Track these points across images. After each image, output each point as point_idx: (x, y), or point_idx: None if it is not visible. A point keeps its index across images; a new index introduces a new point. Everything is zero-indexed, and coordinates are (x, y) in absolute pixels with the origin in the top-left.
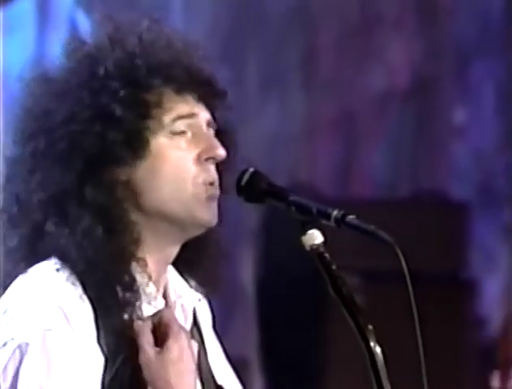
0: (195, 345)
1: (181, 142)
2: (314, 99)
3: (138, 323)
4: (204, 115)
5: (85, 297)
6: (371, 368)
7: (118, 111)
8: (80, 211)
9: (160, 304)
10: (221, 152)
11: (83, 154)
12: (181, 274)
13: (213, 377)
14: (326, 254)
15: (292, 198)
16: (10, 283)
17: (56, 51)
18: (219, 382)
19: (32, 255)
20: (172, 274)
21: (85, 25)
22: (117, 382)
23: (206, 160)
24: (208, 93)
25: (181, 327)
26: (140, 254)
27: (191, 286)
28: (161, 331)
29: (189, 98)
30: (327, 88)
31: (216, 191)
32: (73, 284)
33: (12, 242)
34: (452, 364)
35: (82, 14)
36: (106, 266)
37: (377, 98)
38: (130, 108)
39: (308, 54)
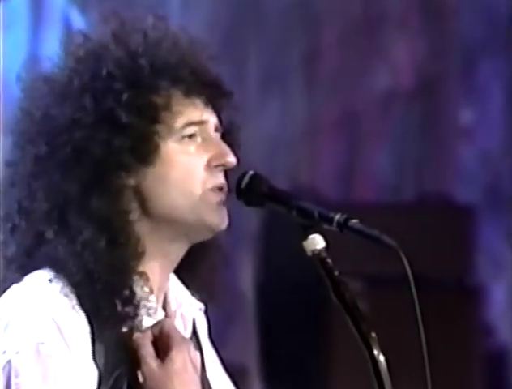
0: (198, 355)
1: (191, 147)
2: (316, 99)
3: (137, 335)
4: (213, 120)
5: (80, 310)
6: (374, 377)
7: (125, 115)
8: (83, 221)
9: (160, 316)
10: (232, 160)
11: (89, 161)
12: (182, 279)
13: (210, 387)
14: (329, 260)
15: (293, 201)
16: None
17: (50, 50)
18: None
19: (28, 265)
20: (173, 281)
21: (80, 23)
22: None
23: (216, 166)
24: (216, 95)
25: (184, 338)
26: (142, 266)
27: (193, 294)
28: (162, 342)
29: (198, 101)
30: (330, 88)
31: (225, 196)
32: (66, 295)
33: (10, 250)
34: (458, 372)
35: (76, 13)
36: (105, 279)
37: (381, 98)
38: (138, 111)
39: (310, 53)
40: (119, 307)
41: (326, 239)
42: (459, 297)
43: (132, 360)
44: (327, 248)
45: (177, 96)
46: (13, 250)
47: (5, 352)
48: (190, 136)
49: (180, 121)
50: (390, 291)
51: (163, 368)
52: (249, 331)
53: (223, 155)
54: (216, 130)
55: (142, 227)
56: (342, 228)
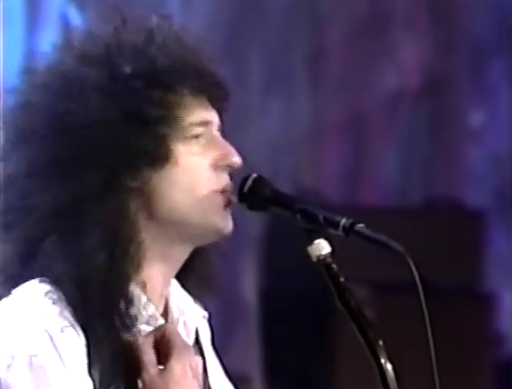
0: (200, 361)
1: (195, 147)
2: (321, 100)
3: (139, 340)
4: (216, 120)
5: (75, 323)
6: (382, 386)
7: (147, 114)
8: (90, 229)
9: (160, 323)
10: (237, 160)
11: (106, 161)
12: (181, 282)
13: None
14: (334, 265)
15: (297, 205)
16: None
17: (49, 48)
18: None
19: (22, 274)
20: (174, 287)
21: (77, 21)
22: None
23: (222, 167)
24: (219, 94)
25: (185, 344)
26: (143, 273)
27: (195, 301)
28: (163, 346)
29: (204, 100)
30: (335, 89)
31: (231, 198)
32: (61, 308)
33: (4, 257)
34: (467, 381)
35: (74, 11)
36: (105, 292)
37: (387, 99)
38: (156, 109)
39: (314, 52)
40: (116, 319)
41: (331, 244)
42: (469, 304)
43: (132, 367)
44: (333, 253)
45: (186, 95)
46: (6, 256)
47: None
48: (196, 136)
49: (188, 121)
50: (397, 298)
51: (162, 375)
52: (252, 338)
53: (228, 155)
54: (219, 129)
55: (146, 232)
56: (348, 233)
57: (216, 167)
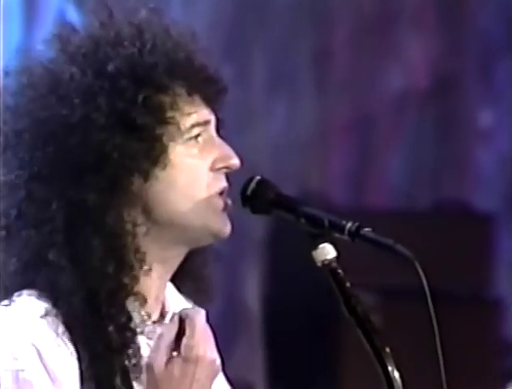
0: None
1: (194, 149)
2: (326, 100)
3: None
4: (213, 120)
5: (66, 337)
6: None
7: (140, 116)
8: (95, 240)
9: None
10: (236, 162)
11: (107, 166)
12: (175, 284)
13: None
14: (340, 271)
15: (301, 209)
16: None
17: (45, 46)
18: None
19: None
20: (171, 291)
21: (75, 20)
22: None
23: (220, 169)
24: (216, 93)
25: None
26: (140, 281)
27: (194, 306)
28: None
29: (200, 100)
30: (340, 89)
31: (228, 200)
32: (51, 324)
33: (8, 268)
34: None
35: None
36: (106, 309)
37: (394, 100)
38: (152, 112)
39: (320, 52)
40: (115, 338)
41: (336, 248)
42: (478, 311)
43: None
44: (338, 258)
45: (182, 95)
46: (11, 267)
47: None
48: (194, 137)
49: (187, 122)
50: (404, 304)
51: (167, 370)
52: (255, 345)
53: (227, 157)
54: (217, 130)
55: (144, 236)
56: (354, 237)
57: (214, 169)
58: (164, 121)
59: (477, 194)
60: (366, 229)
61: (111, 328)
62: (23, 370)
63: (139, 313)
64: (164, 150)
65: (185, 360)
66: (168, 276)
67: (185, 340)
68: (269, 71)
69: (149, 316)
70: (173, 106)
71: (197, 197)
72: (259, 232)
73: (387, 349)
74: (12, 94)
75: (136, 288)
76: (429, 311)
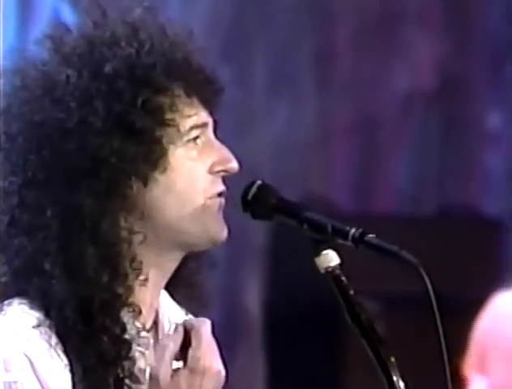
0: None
1: (193, 151)
2: (329, 102)
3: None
4: (211, 121)
5: (59, 347)
6: None
7: (139, 118)
8: (90, 248)
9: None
10: (235, 165)
11: (104, 170)
12: (169, 292)
13: None
14: (343, 278)
15: (304, 214)
16: None
17: (39, 46)
18: None
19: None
20: (164, 299)
21: (70, 19)
22: None
23: (218, 172)
24: (212, 93)
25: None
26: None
27: (187, 313)
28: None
29: (198, 101)
30: (344, 90)
31: (223, 202)
32: (43, 334)
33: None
34: None
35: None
36: (100, 321)
37: (399, 101)
38: (149, 114)
39: (322, 52)
40: (109, 350)
41: (340, 255)
42: None
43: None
44: (341, 265)
45: (181, 96)
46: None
47: None
48: (193, 140)
49: (186, 124)
50: (409, 312)
51: (173, 381)
52: (256, 351)
53: (225, 160)
54: (214, 132)
55: (141, 247)
56: (357, 244)
57: (212, 172)
58: (164, 124)
59: (485, 198)
60: (370, 235)
61: (105, 339)
62: (15, 382)
63: (134, 324)
64: (163, 153)
65: (192, 371)
66: (163, 283)
67: (191, 351)
68: (270, 72)
69: (144, 327)
70: (173, 108)
71: (194, 201)
72: (260, 237)
73: (392, 358)
74: (5, 96)
75: (131, 299)
76: (435, 319)
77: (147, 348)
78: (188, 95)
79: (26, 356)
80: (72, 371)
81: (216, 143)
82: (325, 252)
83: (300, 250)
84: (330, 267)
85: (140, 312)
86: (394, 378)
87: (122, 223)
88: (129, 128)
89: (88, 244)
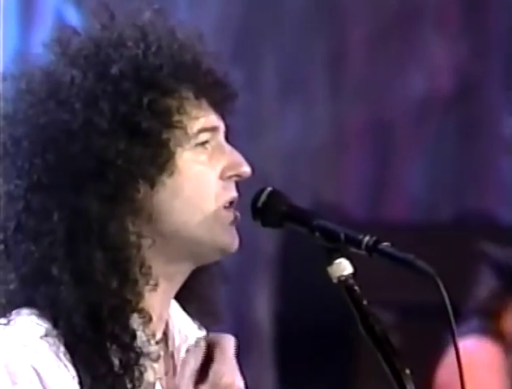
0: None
1: (203, 155)
2: (342, 106)
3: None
4: (222, 126)
5: (67, 358)
6: None
7: (145, 120)
8: (97, 253)
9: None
10: (247, 170)
11: (110, 172)
12: (180, 303)
13: None
14: (356, 287)
15: (316, 222)
16: None
17: (44, 49)
18: None
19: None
20: (175, 310)
21: (74, 20)
22: None
23: (230, 177)
24: (223, 97)
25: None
26: (143, 299)
27: (200, 327)
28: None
29: (208, 104)
30: (358, 94)
31: (237, 213)
32: (51, 345)
33: (6, 284)
34: None
35: (70, 9)
36: (110, 329)
37: (414, 105)
38: (155, 115)
39: (335, 53)
40: (118, 359)
41: (353, 264)
42: None
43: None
44: (355, 274)
45: (189, 99)
46: (6, 284)
47: None
48: (202, 144)
49: (194, 127)
50: (425, 322)
51: None
52: (266, 362)
53: (237, 164)
54: (225, 136)
55: (150, 252)
56: (371, 252)
57: (224, 177)
58: (171, 126)
59: (501, 205)
60: (384, 244)
61: (114, 348)
62: None
63: (144, 331)
64: (171, 156)
65: (214, 387)
66: (173, 294)
67: (215, 367)
68: (281, 75)
69: (153, 335)
70: (180, 110)
71: (204, 208)
72: (270, 246)
73: (407, 371)
74: (10, 99)
75: (141, 305)
76: (452, 330)
77: (156, 361)
78: (197, 97)
79: (33, 368)
80: (80, 383)
81: (227, 147)
82: (337, 261)
83: (311, 258)
84: (343, 276)
85: (150, 319)
86: None
87: (130, 227)
88: (135, 129)
89: (96, 248)
